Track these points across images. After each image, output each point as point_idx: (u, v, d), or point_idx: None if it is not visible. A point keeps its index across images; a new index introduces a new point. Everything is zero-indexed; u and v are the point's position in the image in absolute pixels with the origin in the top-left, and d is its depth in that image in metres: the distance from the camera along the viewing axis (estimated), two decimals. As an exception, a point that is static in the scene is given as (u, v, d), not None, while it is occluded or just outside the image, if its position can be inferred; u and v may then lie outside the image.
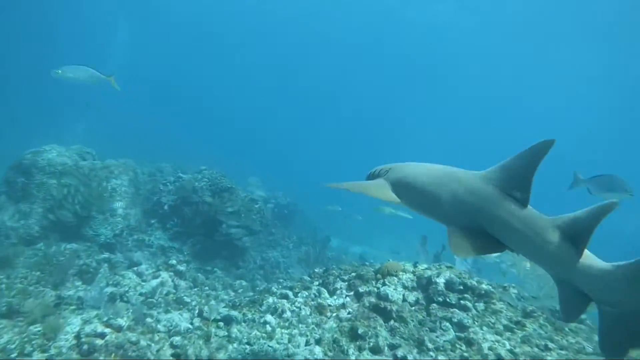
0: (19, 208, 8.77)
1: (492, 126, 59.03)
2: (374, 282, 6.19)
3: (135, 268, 7.78)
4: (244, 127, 57.91)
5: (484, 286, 5.84)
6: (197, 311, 6.08)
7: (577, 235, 2.06)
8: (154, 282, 7.00)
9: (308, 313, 5.78)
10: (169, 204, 10.84)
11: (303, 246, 14.73)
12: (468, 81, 51.69)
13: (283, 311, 5.85)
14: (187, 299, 6.74)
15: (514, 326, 5.13)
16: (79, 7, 42.27)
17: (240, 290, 8.34)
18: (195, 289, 7.59)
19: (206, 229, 10.51)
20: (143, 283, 7.05)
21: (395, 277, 6.12)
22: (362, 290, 5.99)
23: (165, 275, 7.31)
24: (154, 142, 29.03)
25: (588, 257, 2.10)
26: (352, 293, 6.09)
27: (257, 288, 8.38)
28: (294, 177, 34.42)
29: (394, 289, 5.90)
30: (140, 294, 6.57)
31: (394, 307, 5.46)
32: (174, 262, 7.88)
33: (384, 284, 6.06)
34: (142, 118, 45.33)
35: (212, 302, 6.83)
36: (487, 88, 52.00)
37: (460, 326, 5.17)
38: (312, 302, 6.01)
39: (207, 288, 7.75)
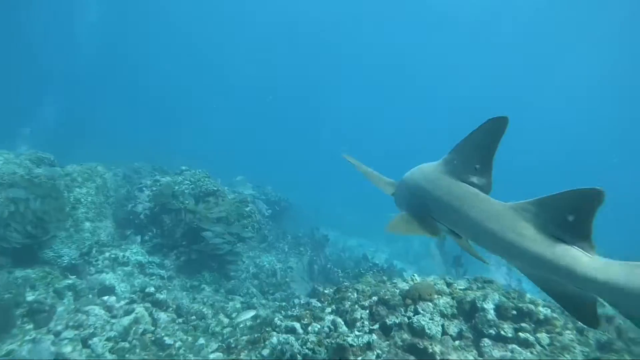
0: (-37, 230, 7.28)
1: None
2: (402, 310, 4.96)
3: (105, 298, 6.40)
4: (225, 123, 55.65)
5: (541, 309, 4.66)
6: (181, 361, 4.76)
7: (570, 228, 1.69)
8: (126, 320, 5.62)
9: (325, 358, 4.51)
10: (146, 212, 9.40)
11: (300, 247, 13.47)
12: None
13: (292, 356, 4.58)
14: (169, 340, 5.41)
15: (597, 369, 3.96)
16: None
17: (234, 315, 7.02)
18: (180, 321, 6.24)
19: (190, 239, 9.14)
20: (113, 321, 5.67)
21: (430, 303, 4.89)
22: (390, 322, 4.76)
23: (140, 309, 5.93)
24: (128, 140, 27.08)
25: (590, 257, 1.65)
26: (377, 326, 4.84)
27: (255, 313, 7.08)
28: (279, 169, 32.98)
29: (430, 319, 4.67)
30: (108, 339, 5.19)
31: (437, 348, 4.23)
32: (152, 289, 6.49)
33: (416, 312, 4.83)
34: (113, 113, 41.68)
35: (201, 340, 5.52)
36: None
37: (527, 371, 3.97)
38: (328, 341, 4.74)
39: (193, 318, 6.40)
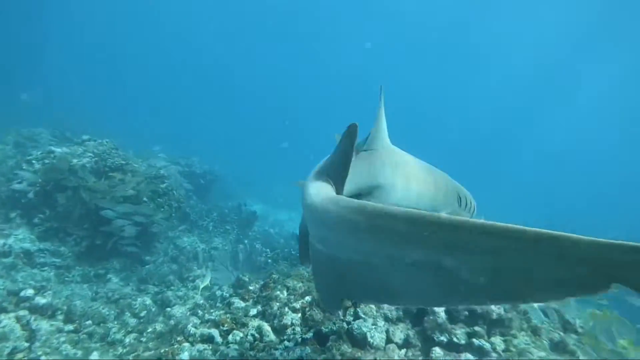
0: None
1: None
2: (340, 313, 4.23)
3: (-34, 303, 4.98)
4: (143, 87, 50.78)
5: (494, 308, 4.16)
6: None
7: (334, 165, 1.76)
8: (-12, 338, 4.32)
9: (247, 380, 3.66)
10: (35, 190, 7.76)
11: (226, 225, 12.38)
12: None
13: (206, 379, 3.67)
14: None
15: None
16: None
17: (142, 314, 5.93)
18: (70, 328, 5.02)
19: (94, 222, 7.73)
20: (-31, 338, 4.34)
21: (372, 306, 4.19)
22: (327, 330, 4.00)
23: (10, 320, 4.61)
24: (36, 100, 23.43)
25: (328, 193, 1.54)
26: (310, 334, 4.06)
27: (168, 310, 6.03)
28: (206, 139, 31.04)
29: (372, 325, 3.98)
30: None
31: (382, 364, 3.55)
32: (29, 293, 5.15)
33: (356, 316, 4.11)
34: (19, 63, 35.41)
35: (94, 355, 4.41)
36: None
37: (483, 388, 3.43)
38: (252, 354, 3.89)
39: (89, 323, 5.22)
